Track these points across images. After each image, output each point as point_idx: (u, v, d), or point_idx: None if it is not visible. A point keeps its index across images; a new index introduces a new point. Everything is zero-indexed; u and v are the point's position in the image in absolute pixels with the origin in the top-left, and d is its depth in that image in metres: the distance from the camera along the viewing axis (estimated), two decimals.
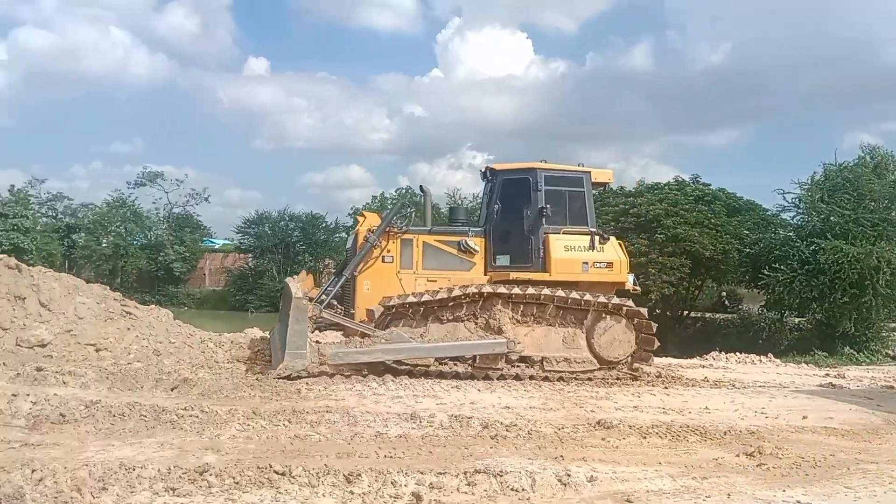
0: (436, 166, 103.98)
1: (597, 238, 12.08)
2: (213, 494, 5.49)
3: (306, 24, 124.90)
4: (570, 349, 11.64)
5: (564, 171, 12.71)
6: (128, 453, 6.40)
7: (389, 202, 43.38)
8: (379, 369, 10.76)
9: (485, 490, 5.82)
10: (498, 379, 10.95)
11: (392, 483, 5.77)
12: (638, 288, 12.90)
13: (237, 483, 5.69)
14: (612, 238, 12.42)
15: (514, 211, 12.34)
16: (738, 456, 7.27)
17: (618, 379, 11.55)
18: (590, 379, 11.37)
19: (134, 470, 5.80)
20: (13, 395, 7.98)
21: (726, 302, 36.33)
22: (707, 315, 32.97)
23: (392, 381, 10.22)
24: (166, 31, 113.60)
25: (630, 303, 11.79)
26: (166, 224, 46.22)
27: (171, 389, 9.09)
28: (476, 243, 12.28)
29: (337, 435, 7.29)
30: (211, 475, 5.76)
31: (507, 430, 7.73)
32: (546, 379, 11.19)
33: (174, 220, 47.00)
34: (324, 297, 12.13)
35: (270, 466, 5.93)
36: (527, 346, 11.44)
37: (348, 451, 6.71)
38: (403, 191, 45.00)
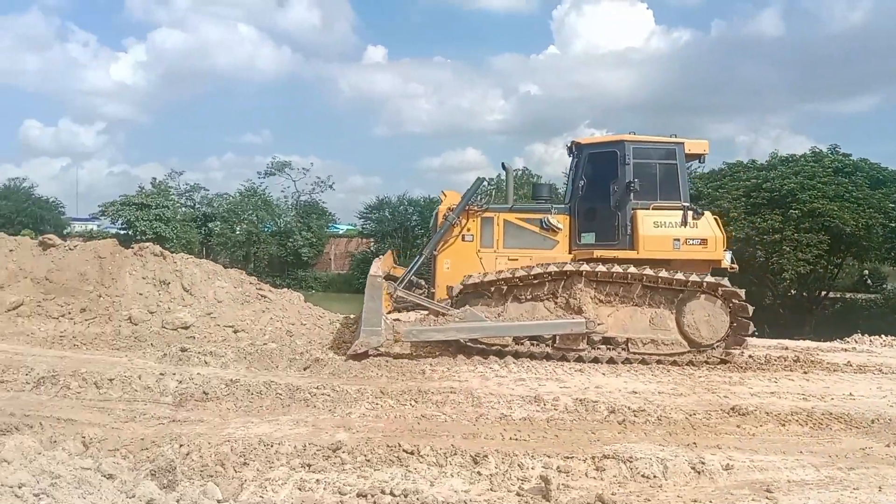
0: (552, 146, 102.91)
1: (690, 213, 11.34)
2: (346, 471, 5.66)
3: (422, 10, 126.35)
4: (657, 331, 11.03)
5: (655, 142, 11.92)
6: (266, 430, 6.72)
7: (504, 184, 43.23)
8: (454, 348, 10.88)
9: (614, 476, 5.70)
10: (576, 361, 10.61)
11: (519, 465, 5.75)
12: (735, 266, 11.89)
13: (368, 461, 5.85)
14: (707, 213, 11.69)
15: (601, 186, 11.77)
16: (888, 446, 6.75)
17: (706, 363, 10.91)
18: (675, 363, 10.77)
19: (272, 446, 6.09)
20: (161, 374, 8.59)
21: (869, 281, 33.88)
22: (848, 295, 30.89)
23: (514, 363, 10.19)
24: (289, 25, 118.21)
25: (725, 282, 11.01)
26: (294, 211, 48.19)
27: (304, 369, 9.48)
28: (559, 221, 11.86)
29: (462, 416, 7.36)
30: (343, 452, 5.96)
31: (635, 416, 7.52)
32: (627, 361, 10.73)
33: (301, 207, 48.91)
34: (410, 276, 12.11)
35: (399, 445, 6.05)
36: (610, 326, 10.99)
37: (474, 432, 6.76)
38: (519, 172, 44.61)
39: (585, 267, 10.83)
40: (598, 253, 11.43)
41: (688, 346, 11.00)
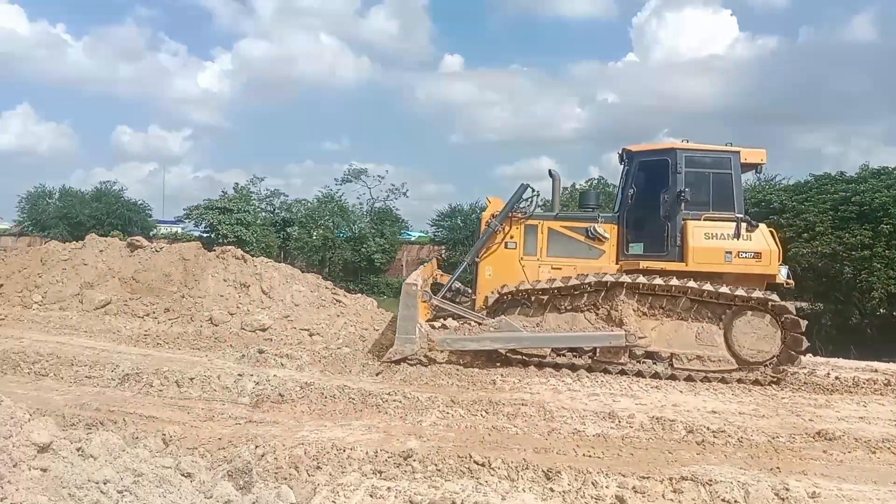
0: None
1: (743, 225, 10.76)
2: (416, 480, 5.65)
3: (499, 19, 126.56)
4: (704, 346, 10.58)
5: (709, 151, 11.41)
6: (338, 434, 6.79)
7: (578, 192, 42.62)
8: (493, 357, 10.72)
9: (692, 499, 5.50)
10: (619, 374, 10.31)
11: (593, 483, 5.61)
12: (791, 282, 11.28)
13: (439, 470, 5.82)
14: (762, 225, 11.00)
15: (651, 195, 11.33)
16: None
17: (756, 382, 10.30)
18: (724, 380, 10.29)
19: (344, 451, 6.14)
20: (239, 374, 8.80)
21: None
22: None
23: (587, 377, 9.99)
24: (369, 35, 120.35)
25: (775, 297, 10.41)
26: (368, 218, 48.80)
27: (376, 374, 9.55)
28: (606, 230, 11.48)
29: (534, 429, 7.25)
30: (415, 461, 5.95)
31: (714, 437, 7.25)
32: (673, 377, 10.30)
33: (375, 213, 49.50)
34: (456, 283, 12.03)
35: (470, 456, 6.00)
36: (654, 340, 10.64)
37: (546, 447, 6.64)
38: (596, 181, 43.91)
39: (626, 278, 10.57)
40: (645, 264, 11.04)
41: (735, 363, 10.54)
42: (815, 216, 24.57)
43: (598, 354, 10.61)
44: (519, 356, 10.72)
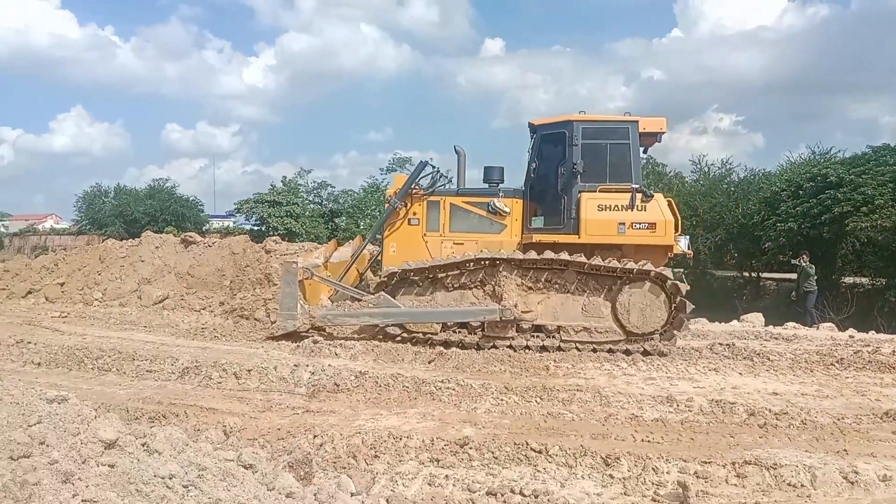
0: (677, 131, 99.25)
1: (638, 196, 10.61)
2: (474, 468, 5.65)
3: (540, 0, 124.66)
4: (590, 318, 10.62)
5: (606, 121, 11.33)
6: (394, 423, 6.83)
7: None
8: (387, 334, 11.02)
9: (757, 483, 5.37)
10: (509, 348, 10.41)
11: (653, 469, 5.53)
12: (690, 252, 11.29)
13: (496, 458, 5.81)
14: (658, 196, 10.83)
15: (551, 168, 11.33)
16: None
17: (646, 353, 10.27)
18: (611, 350, 10.37)
19: (401, 439, 6.17)
20: (295, 365, 8.91)
21: None
22: None
23: (642, 360, 9.85)
24: (409, 23, 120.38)
25: (663, 269, 10.41)
26: None
27: (429, 362, 9.57)
28: (506, 204, 11.46)
29: (590, 415, 7.17)
30: (471, 448, 5.95)
31: (777, 419, 7.07)
32: (559, 349, 10.44)
33: None
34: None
35: (527, 443, 5.97)
36: (541, 314, 10.71)
37: (603, 433, 6.57)
38: (643, 160, 43.03)
39: (505, 254, 10.67)
40: (539, 237, 11.10)
41: (623, 334, 10.57)
42: (874, 189, 23.72)
43: (485, 329, 10.70)
44: (412, 333, 10.95)
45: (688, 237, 11.28)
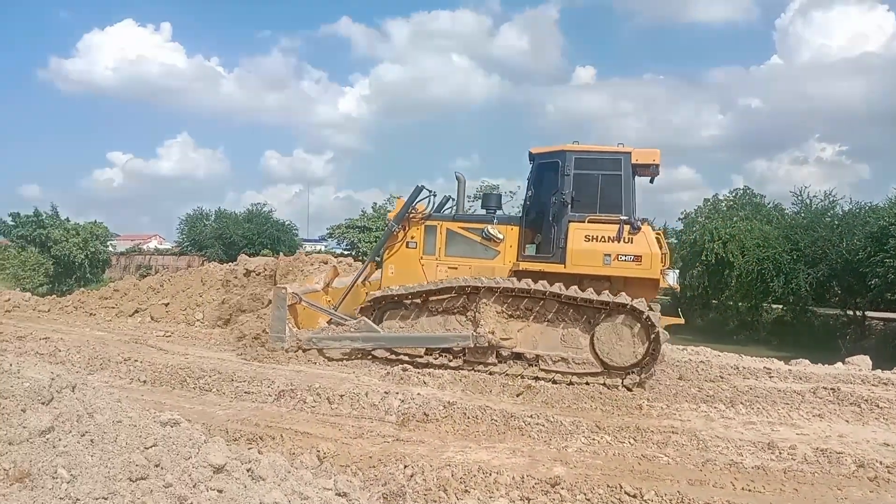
0: (776, 161, 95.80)
1: (626, 227, 10.52)
2: None
3: (632, 28, 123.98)
4: (568, 349, 10.53)
5: (599, 152, 11.21)
6: (483, 457, 6.80)
7: (723, 204, 40.65)
8: (370, 357, 11.42)
9: None
10: (491, 374, 10.51)
11: None
12: (677, 286, 10.73)
13: (588, 500, 5.71)
14: (646, 228, 10.69)
15: (545, 197, 11.35)
16: None
17: (624, 387, 10.11)
18: (587, 384, 10.18)
19: (491, 475, 6.14)
20: (385, 392, 9.02)
21: None
22: None
23: (741, 403, 9.46)
24: (500, 52, 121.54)
25: (625, 298, 10.15)
26: None
27: (517, 395, 9.50)
28: (500, 231, 11.58)
29: (686, 459, 6.94)
30: (562, 488, 5.86)
31: (889, 472, 6.64)
32: (537, 379, 10.31)
33: None
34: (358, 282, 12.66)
35: (621, 487, 5.84)
36: (520, 342, 10.77)
37: (701, 479, 6.35)
38: (741, 191, 41.69)
39: (486, 282, 10.81)
40: (529, 265, 11.17)
41: (599, 366, 10.41)
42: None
43: (466, 355, 10.87)
44: (397, 357, 11.23)
45: (676, 271, 11.05)
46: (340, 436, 7.47)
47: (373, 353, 11.46)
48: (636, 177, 11.27)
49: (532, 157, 11.88)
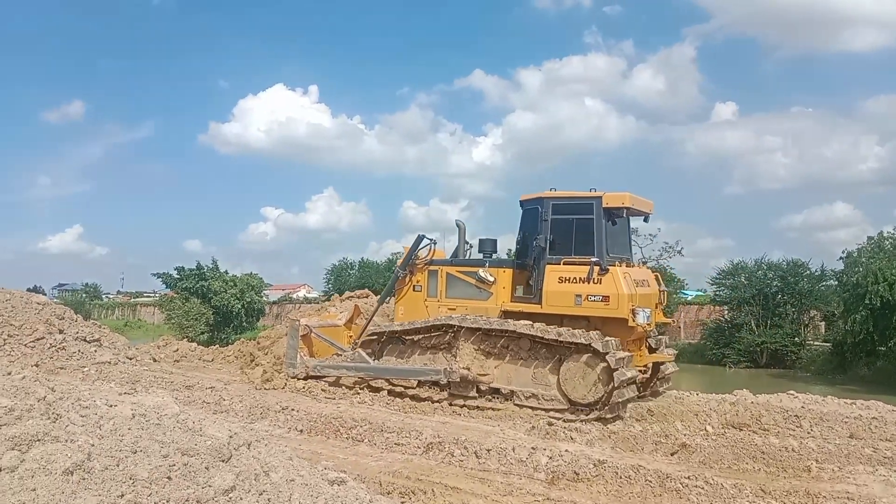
0: None
1: (595, 269, 11.09)
2: None
3: (775, 61, 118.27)
4: (538, 385, 11.35)
5: (573, 197, 11.92)
6: None
7: (888, 242, 37.44)
8: (371, 386, 12.94)
9: None
10: (474, 409, 11.45)
11: None
12: (650, 325, 11.59)
13: None
14: (614, 269, 11.16)
15: (531, 241, 12.12)
16: None
17: (598, 419, 10.69)
18: (553, 418, 10.79)
19: None
20: (532, 448, 8.90)
21: None
22: None
23: None
24: (635, 94, 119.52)
25: (587, 338, 10.75)
26: None
27: (671, 454, 9.10)
28: (491, 274, 12.41)
29: None
30: None
31: None
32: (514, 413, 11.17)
33: None
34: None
35: None
36: (496, 378, 11.70)
37: None
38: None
39: (462, 322, 11.84)
40: (511, 306, 12.06)
41: (566, 403, 11.09)
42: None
43: (451, 388, 11.85)
44: (393, 387, 12.67)
45: (648, 310, 11.40)
46: (490, 492, 7.44)
47: (371, 382, 12.98)
48: (623, 219, 12.12)
49: (521, 203, 12.72)
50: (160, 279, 46.71)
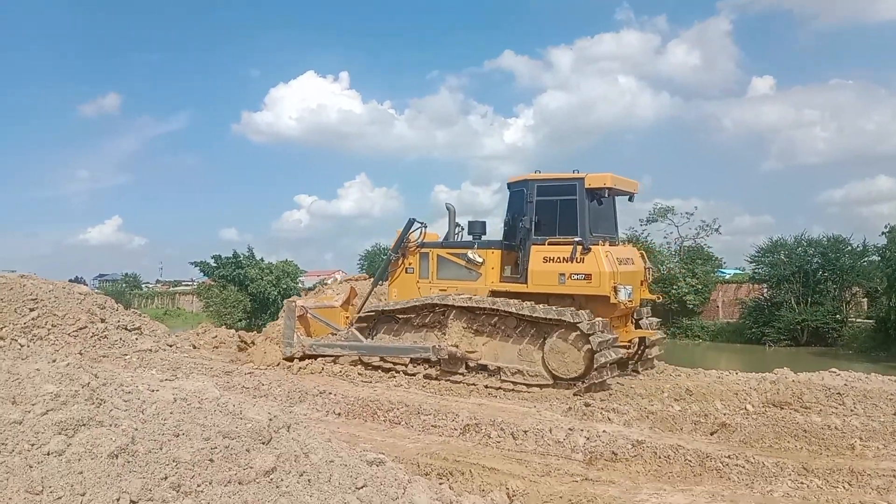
0: None
1: (578, 248, 11.42)
2: None
3: (814, 32, 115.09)
4: (524, 361, 11.72)
5: (556, 179, 12.24)
6: (680, 500, 6.51)
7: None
8: (361, 364, 13.41)
9: None
10: (467, 385, 11.80)
11: None
12: (632, 302, 11.78)
13: None
14: (596, 248, 11.51)
15: (517, 223, 12.45)
16: None
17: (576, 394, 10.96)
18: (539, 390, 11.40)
19: None
20: (569, 429, 8.88)
21: None
22: None
23: None
24: (669, 70, 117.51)
25: (569, 315, 11.08)
26: (678, 257, 46.99)
27: (711, 434, 8.99)
28: (480, 255, 12.77)
29: None
30: None
31: None
32: (500, 389, 11.57)
33: (685, 252, 47.53)
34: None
35: None
36: (484, 354, 12.10)
37: None
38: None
39: (449, 299, 12.24)
40: (498, 286, 12.43)
41: (550, 378, 11.49)
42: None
43: (442, 365, 12.23)
44: (387, 364, 13.10)
45: (630, 287, 11.62)
46: (528, 473, 7.43)
47: (362, 359, 13.42)
48: (608, 199, 12.40)
49: (508, 185, 13.11)
50: (198, 268, 47.49)
